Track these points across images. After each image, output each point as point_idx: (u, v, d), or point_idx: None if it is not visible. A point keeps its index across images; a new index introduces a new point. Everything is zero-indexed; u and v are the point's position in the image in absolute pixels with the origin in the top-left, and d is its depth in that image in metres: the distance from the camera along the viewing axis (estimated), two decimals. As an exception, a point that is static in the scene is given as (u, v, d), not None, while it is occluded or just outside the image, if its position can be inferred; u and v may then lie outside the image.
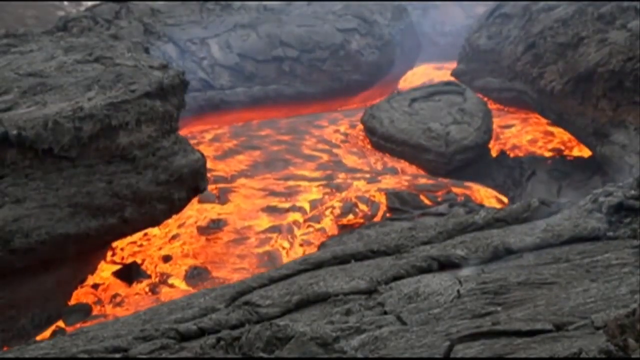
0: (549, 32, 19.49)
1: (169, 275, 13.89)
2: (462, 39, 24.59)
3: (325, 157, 19.01)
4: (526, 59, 20.26)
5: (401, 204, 15.72)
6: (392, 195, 15.97)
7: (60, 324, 12.73)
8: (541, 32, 19.86)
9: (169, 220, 14.48)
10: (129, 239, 14.44)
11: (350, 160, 18.76)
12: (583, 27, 18.24)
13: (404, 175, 17.64)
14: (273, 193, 16.61)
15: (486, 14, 23.61)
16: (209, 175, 14.78)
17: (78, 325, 12.28)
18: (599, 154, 17.70)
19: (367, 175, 17.43)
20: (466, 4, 31.74)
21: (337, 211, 15.63)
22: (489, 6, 24.45)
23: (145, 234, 14.93)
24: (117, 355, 5.20)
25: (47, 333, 12.33)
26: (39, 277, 12.43)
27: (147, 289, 13.57)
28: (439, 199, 16.04)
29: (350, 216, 15.43)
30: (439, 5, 31.79)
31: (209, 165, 14.77)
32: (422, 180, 17.17)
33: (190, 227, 15.45)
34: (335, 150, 19.48)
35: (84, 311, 13.07)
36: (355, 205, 15.74)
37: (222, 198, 16.58)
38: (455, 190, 16.69)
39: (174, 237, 15.06)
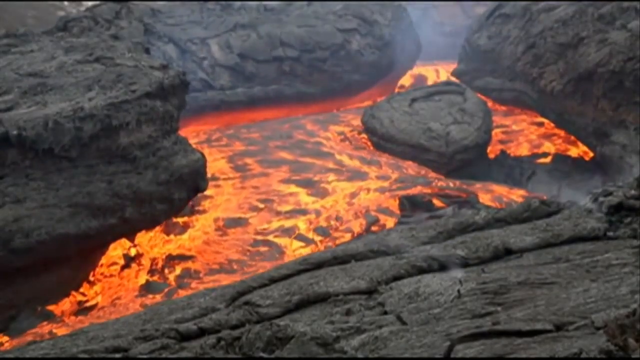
0: (549, 32, 19.50)
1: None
2: (462, 39, 24.58)
3: (328, 159, 18.70)
4: (526, 59, 20.26)
5: (412, 208, 15.62)
6: (404, 199, 15.87)
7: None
8: (541, 32, 19.86)
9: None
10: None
11: (354, 163, 18.53)
12: (583, 27, 18.25)
13: (413, 177, 17.43)
14: (279, 213, 16.07)
15: (486, 14, 23.61)
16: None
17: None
18: (599, 154, 17.71)
19: (378, 181, 17.13)
20: (466, 4, 31.71)
21: (359, 230, 15.04)
22: (489, 6, 24.44)
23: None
24: (118, 355, 5.20)
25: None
26: (39, 277, 12.43)
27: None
28: (452, 200, 15.92)
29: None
30: (438, 5, 31.77)
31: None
32: (438, 183, 17.03)
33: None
34: (336, 152, 19.33)
35: (44, 317, 12.60)
36: (377, 219, 15.34)
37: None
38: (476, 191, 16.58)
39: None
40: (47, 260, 12.23)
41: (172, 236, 15.00)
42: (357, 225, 15.27)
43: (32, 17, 28.15)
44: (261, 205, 16.23)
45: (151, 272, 14.03)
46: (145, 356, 5.12)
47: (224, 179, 17.53)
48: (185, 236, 15.05)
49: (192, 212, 15.72)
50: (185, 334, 5.41)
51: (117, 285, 13.68)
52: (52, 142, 11.93)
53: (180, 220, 15.41)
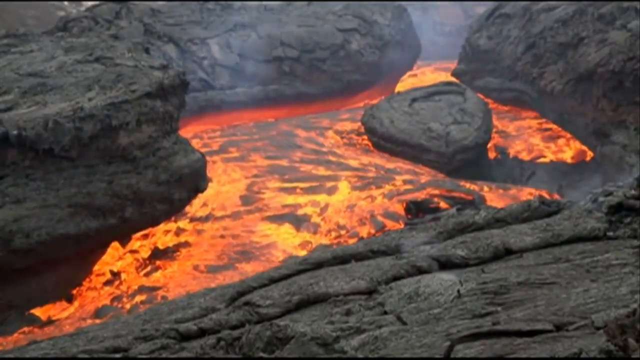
0: (549, 32, 19.50)
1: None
2: (462, 39, 24.59)
3: (328, 161, 18.48)
4: (526, 59, 20.27)
5: (418, 212, 15.61)
6: (410, 203, 15.84)
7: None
8: (541, 32, 19.87)
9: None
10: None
11: (356, 165, 18.35)
12: (583, 27, 18.26)
13: (417, 179, 17.31)
14: (281, 216, 15.93)
15: (486, 14, 23.62)
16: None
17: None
18: (599, 154, 17.72)
19: (384, 185, 16.95)
20: (466, 4, 31.76)
21: (365, 235, 14.71)
22: (489, 6, 24.46)
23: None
24: (117, 355, 5.20)
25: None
26: (39, 277, 12.44)
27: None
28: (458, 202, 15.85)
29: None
30: (439, 5, 31.81)
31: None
32: (442, 183, 16.97)
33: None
34: (337, 153, 19.16)
35: (31, 321, 12.54)
36: (384, 225, 15.19)
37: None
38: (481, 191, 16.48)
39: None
40: (47, 260, 12.24)
41: (141, 273, 14.31)
42: (365, 231, 15.16)
43: (32, 17, 28.19)
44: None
45: (115, 298, 13.44)
46: (145, 356, 5.12)
47: (218, 218, 16.22)
48: (157, 274, 14.24)
49: (167, 253, 14.92)
50: (185, 334, 5.41)
51: (86, 304, 13.37)
52: (52, 142, 11.94)
53: (157, 262, 14.63)
